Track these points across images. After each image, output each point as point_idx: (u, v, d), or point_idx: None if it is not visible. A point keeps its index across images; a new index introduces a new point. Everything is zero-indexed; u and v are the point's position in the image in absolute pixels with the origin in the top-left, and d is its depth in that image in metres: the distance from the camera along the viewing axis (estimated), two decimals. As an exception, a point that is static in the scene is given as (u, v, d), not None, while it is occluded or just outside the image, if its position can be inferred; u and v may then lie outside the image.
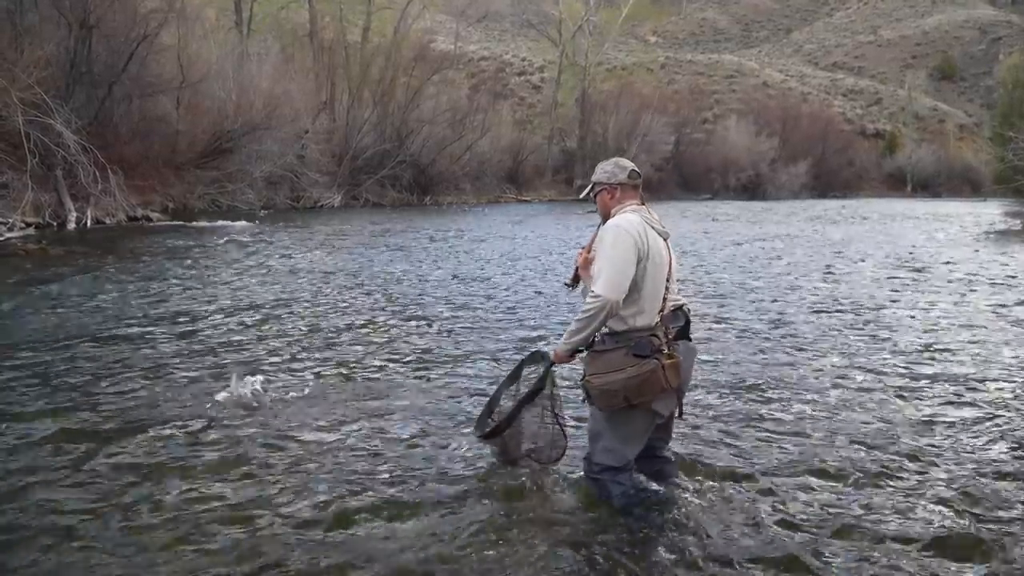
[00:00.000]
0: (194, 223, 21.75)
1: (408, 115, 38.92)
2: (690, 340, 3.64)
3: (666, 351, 3.40)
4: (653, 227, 3.54)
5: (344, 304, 9.22)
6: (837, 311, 9.32)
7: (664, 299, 3.50)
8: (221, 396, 5.16)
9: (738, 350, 7.13)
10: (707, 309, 9.37)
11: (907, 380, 6.15)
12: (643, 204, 3.70)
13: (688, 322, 3.60)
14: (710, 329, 8.12)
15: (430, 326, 8.03)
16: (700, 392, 5.62)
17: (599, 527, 3.57)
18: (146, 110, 25.95)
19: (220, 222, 22.22)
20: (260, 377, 5.41)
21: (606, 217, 3.68)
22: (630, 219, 3.53)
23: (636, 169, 3.73)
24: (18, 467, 4.10)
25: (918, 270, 13.93)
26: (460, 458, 4.28)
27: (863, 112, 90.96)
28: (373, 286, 10.82)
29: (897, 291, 11.21)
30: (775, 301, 10.07)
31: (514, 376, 4.11)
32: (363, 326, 7.90)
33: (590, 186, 3.82)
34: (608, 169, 3.73)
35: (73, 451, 4.32)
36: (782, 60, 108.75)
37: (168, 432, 4.59)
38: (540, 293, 10.71)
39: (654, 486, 3.85)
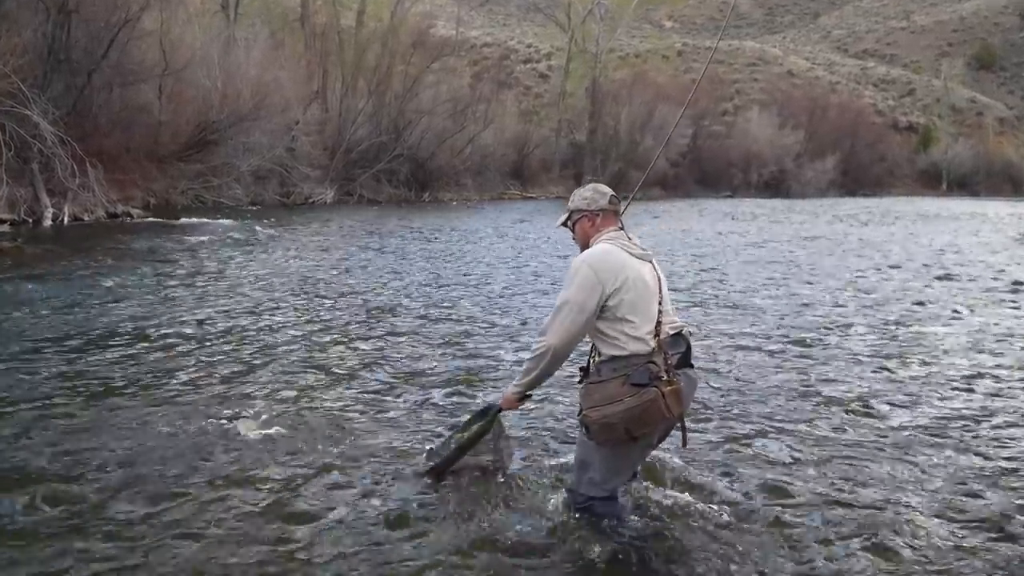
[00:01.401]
0: (177, 220, 21.96)
1: (406, 105, 39.09)
2: (692, 367, 3.69)
3: (665, 378, 3.42)
4: (631, 253, 3.59)
5: (323, 316, 9.23)
6: (864, 328, 9.15)
7: (658, 323, 3.54)
8: (181, 425, 5.11)
9: (747, 373, 7.01)
10: (716, 324, 9.29)
11: (938, 418, 5.83)
12: (621, 228, 3.75)
13: (689, 348, 3.66)
14: (718, 347, 8.05)
15: (414, 341, 7.94)
16: (701, 416, 5.58)
17: (589, 549, 3.63)
18: (127, 99, 26.14)
19: (204, 220, 22.45)
20: (237, 412, 5.29)
21: (585, 246, 3.75)
22: (599, 253, 3.59)
23: (615, 194, 3.83)
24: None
25: (955, 279, 13.86)
26: (429, 491, 4.28)
27: (895, 103, 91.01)
28: (357, 294, 10.86)
29: (932, 305, 11.00)
30: (797, 315, 9.97)
31: (463, 428, 4.31)
32: (340, 342, 7.83)
33: (567, 215, 3.87)
34: (587, 195, 3.80)
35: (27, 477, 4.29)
36: (808, 47, 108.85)
37: (130, 463, 4.52)
38: (538, 300, 10.69)
39: (647, 510, 3.96)
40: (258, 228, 20.53)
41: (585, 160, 55.78)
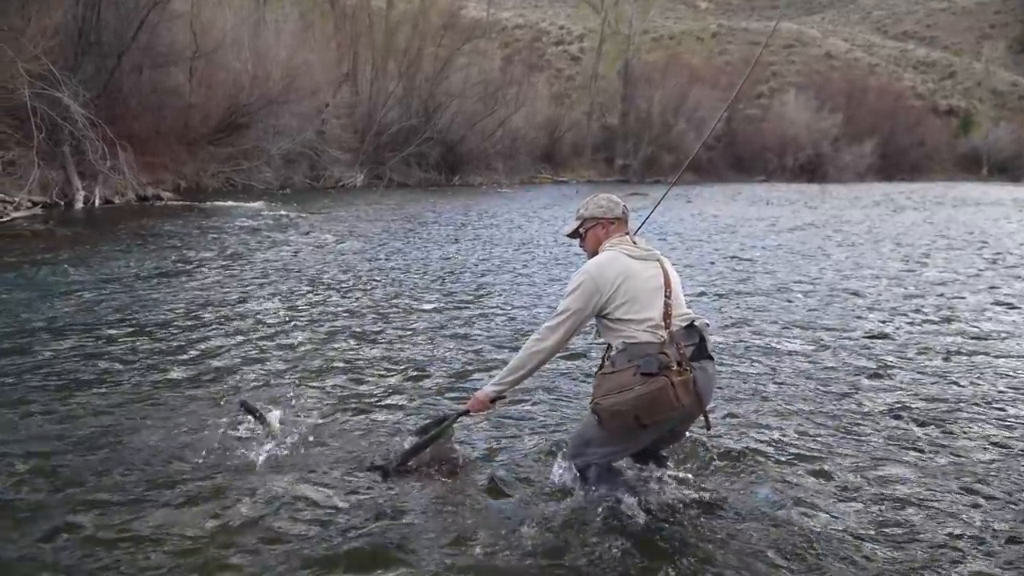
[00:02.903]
0: (206, 204, 22.16)
1: (436, 88, 39.11)
2: (711, 359, 3.76)
3: (675, 367, 3.52)
4: (633, 256, 3.76)
5: (345, 304, 9.14)
6: (901, 321, 8.88)
7: (667, 315, 3.66)
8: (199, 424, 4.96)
9: (775, 366, 6.79)
10: (745, 313, 9.07)
11: (975, 415, 5.51)
12: (627, 234, 3.92)
13: (703, 339, 3.72)
14: (746, 337, 7.86)
15: (431, 332, 7.78)
16: (725, 409, 5.43)
17: (597, 539, 3.60)
18: (157, 82, 26.25)
19: (234, 203, 22.63)
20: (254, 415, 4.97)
21: (594, 252, 3.92)
22: (602, 262, 3.77)
23: (626, 205, 4.00)
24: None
25: (998, 268, 13.55)
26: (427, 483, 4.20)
27: (935, 87, 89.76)
28: (380, 282, 10.75)
29: (975, 296, 10.66)
30: (830, 306, 9.75)
31: (419, 432, 4.39)
32: (358, 333, 7.68)
33: (579, 223, 4.03)
34: (603, 204, 3.97)
35: (36, 473, 4.22)
36: (847, 28, 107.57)
37: (145, 461, 4.38)
38: (562, 290, 10.34)
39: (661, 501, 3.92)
40: (287, 212, 20.59)
41: (617, 144, 55.59)
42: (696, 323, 3.74)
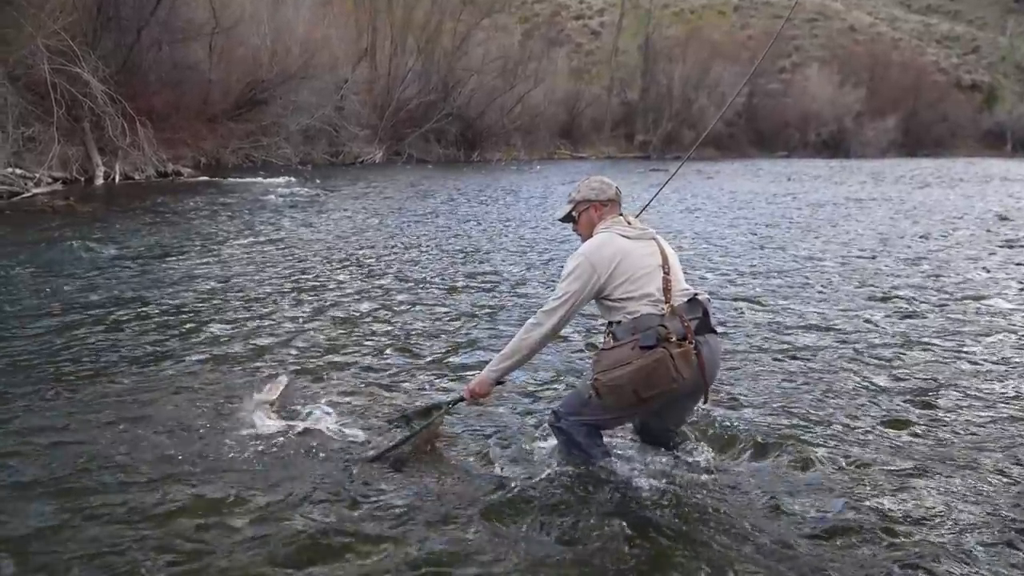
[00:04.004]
0: (226, 180, 22.15)
1: (455, 63, 38.90)
2: (715, 332, 3.75)
3: (674, 340, 3.50)
4: (628, 236, 3.78)
5: (359, 284, 9.02)
6: (924, 303, 8.59)
7: (667, 290, 3.67)
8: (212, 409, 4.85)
9: (783, 349, 6.53)
10: (757, 291, 8.84)
11: (1005, 412, 5.16)
12: (621, 215, 3.93)
13: (707, 313, 3.70)
14: (755, 319, 7.63)
15: (445, 314, 7.61)
16: (737, 401, 5.16)
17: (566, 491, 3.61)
18: (176, 58, 26.26)
19: (253, 179, 22.60)
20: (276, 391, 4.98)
21: (588, 234, 3.93)
22: (596, 244, 3.79)
23: (619, 188, 4.03)
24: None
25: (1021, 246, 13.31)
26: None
27: (959, 61, 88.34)
28: (397, 261, 10.65)
29: (1001, 273, 10.45)
30: (848, 282, 9.57)
31: (410, 420, 4.34)
32: (375, 316, 7.50)
33: (572, 206, 4.02)
34: (595, 186, 3.98)
35: (58, 453, 4.16)
36: (871, 1, 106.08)
37: (160, 444, 4.30)
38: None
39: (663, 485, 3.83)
40: (306, 189, 20.56)
41: (637, 119, 55.22)
42: (699, 297, 3.72)
